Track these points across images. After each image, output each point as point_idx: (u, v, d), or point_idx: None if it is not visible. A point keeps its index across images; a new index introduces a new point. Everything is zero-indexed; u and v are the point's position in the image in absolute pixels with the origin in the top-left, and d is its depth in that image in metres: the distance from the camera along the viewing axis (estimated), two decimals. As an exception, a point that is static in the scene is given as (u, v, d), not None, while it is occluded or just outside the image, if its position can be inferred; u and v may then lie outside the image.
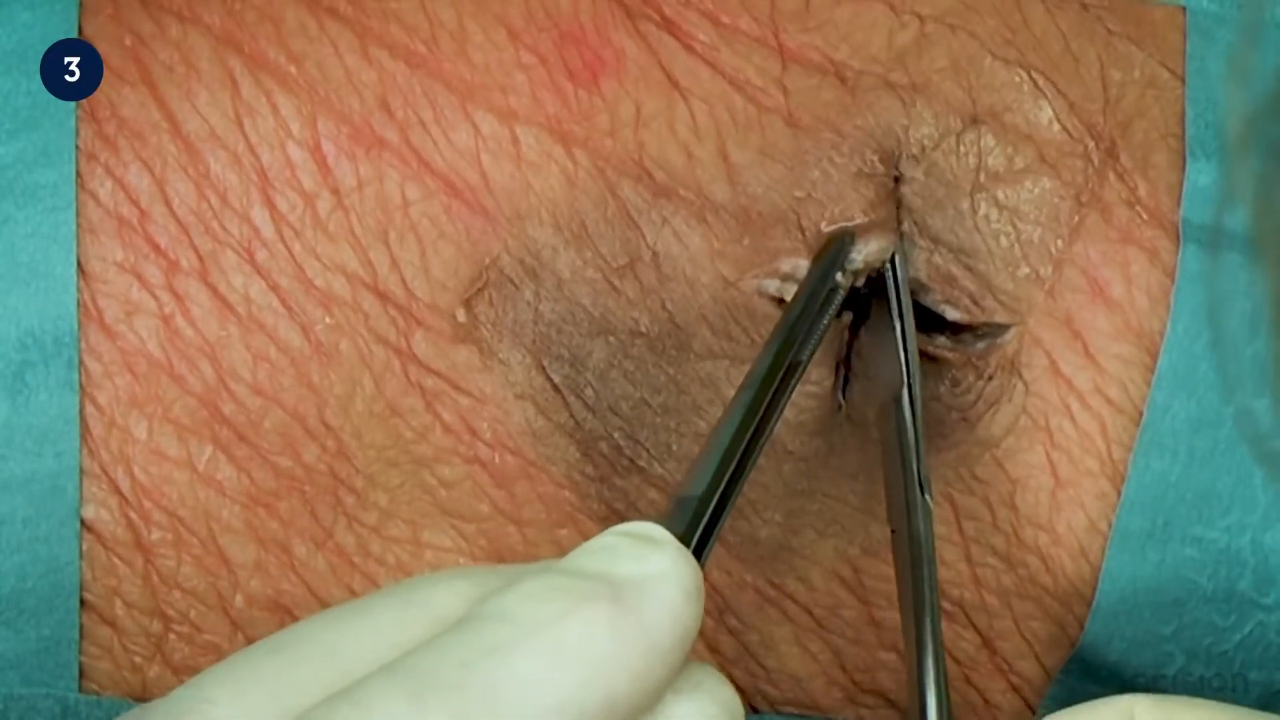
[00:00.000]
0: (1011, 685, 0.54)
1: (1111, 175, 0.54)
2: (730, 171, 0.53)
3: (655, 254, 0.53)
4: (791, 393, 0.49)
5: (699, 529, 0.44)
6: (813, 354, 0.50)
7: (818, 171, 0.53)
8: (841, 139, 0.53)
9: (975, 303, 0.54)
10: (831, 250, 0.52)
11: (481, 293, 0.53)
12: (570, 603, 0.40)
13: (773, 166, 0.53)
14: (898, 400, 0.52)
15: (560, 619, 0.39)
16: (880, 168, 0.53)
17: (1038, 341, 0.54)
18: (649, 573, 0.41)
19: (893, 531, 0.51)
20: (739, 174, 0.53)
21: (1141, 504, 0.53)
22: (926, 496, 0.51)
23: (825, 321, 0.51)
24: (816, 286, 0.52)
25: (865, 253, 0.53)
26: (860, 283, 0.53)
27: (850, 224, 0.53)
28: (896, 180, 0.54)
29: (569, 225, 0.53)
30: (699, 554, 0.43)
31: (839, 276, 0.52)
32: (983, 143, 0.54)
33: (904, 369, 0.52)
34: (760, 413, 0.48)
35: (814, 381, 0.53)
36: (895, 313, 0.52)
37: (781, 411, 0.49)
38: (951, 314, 0.54)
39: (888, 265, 0.53)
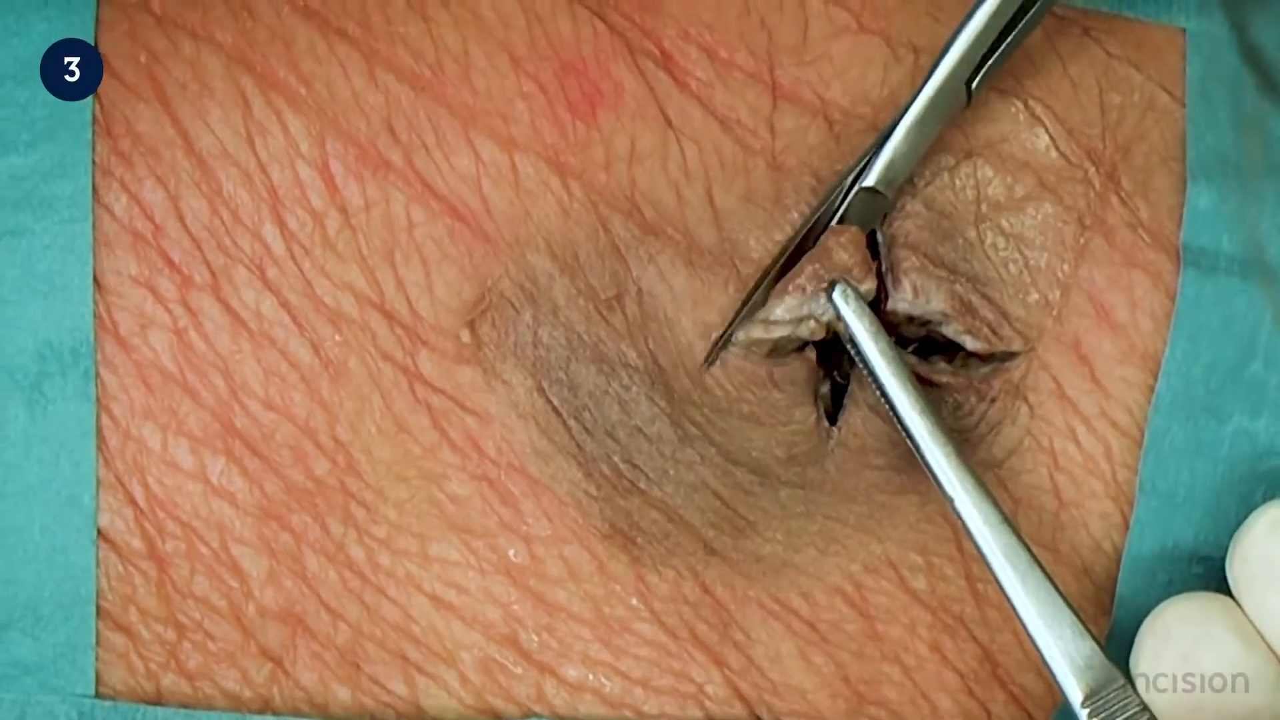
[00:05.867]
0: (1012, 696, 0.54)
1: (1114, 198, 0.54)
2: (716, 216, 0.53)
3: (640, 290, 0.53)
4: None
5: None
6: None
7: (796, 214, 0.53)
8: (820, 184, 0.54)
9: (994, 332, 0.54)
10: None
11: (484, 314, 0.53)
12: None
13: (755, 211, 0.53)
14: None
15: None
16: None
17: (1045, 366, 0.54)
18: None
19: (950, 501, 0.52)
20: (724, 219, 0.53)
21: (1151, 526, 0.53)
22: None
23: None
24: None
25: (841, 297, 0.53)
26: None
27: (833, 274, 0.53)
28: (884, 218, 0.54)
29: (563, 254, 0.53)
30: None
31: (812, 325, 0.53)
32: (979, 174, 0.54)
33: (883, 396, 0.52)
34: None
35: (798, 421, 0.53)
36: (860, 353, 0.53)
37: None
38: (971, 344, 0.54)
39: (843, 303, 0.53)
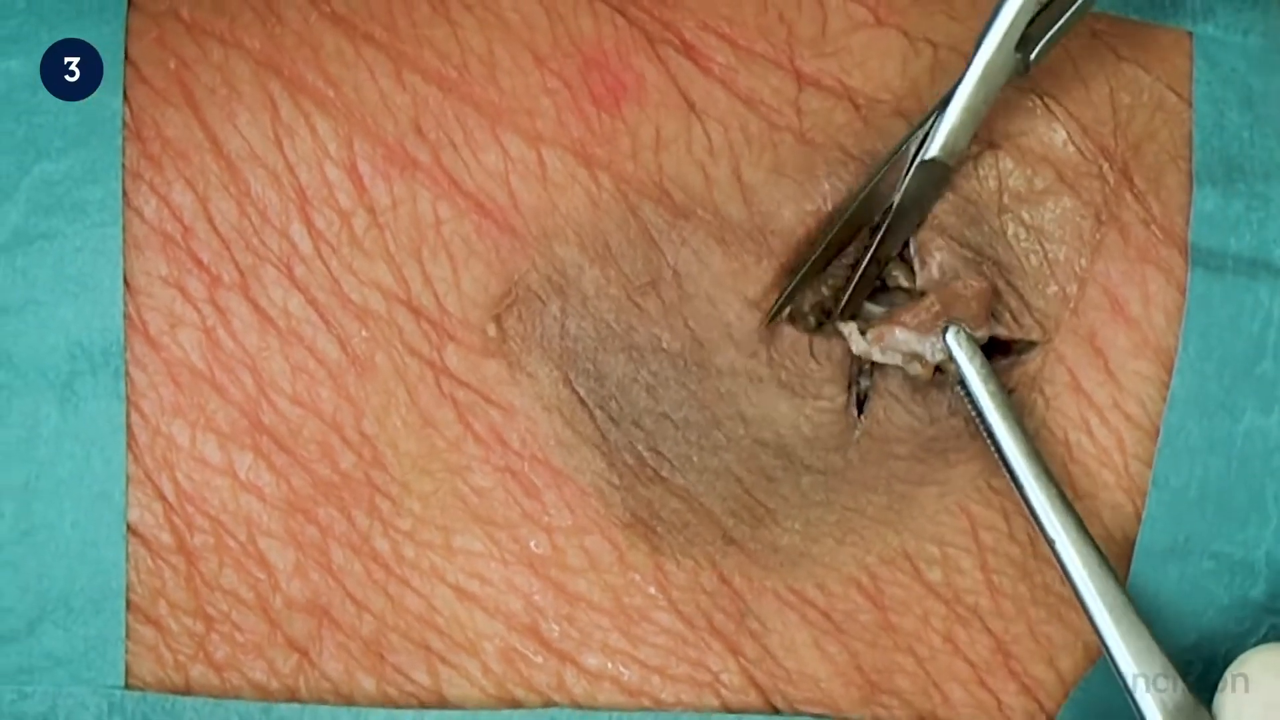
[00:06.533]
0: (1025, 687, 0.55)
1: (1127, 195, 0.55)
2: (744, 191, 0.54)
3: (676, 273, 0.54)
4: None
5: None
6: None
7: (827, 185, 0.54)
8: (849, 159, 0.54)
9: (1016, 319, 0.55)
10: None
11: (510, 308, 0.54)
12: None
13: (784, 183, 0.54)
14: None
15: None
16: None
17: (1060, 358, 0.54)
18: None
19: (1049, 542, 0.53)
20: (753, 194, 0.54)
21: (1163, 521, 0.54)
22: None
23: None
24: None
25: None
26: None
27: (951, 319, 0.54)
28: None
29: (593, 245, 0.54)
30: None
31: (918, 367, 0.54)
32: (1001, 165, 0.55)
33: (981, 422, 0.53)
34: None
35: (827, 398, 0.54)
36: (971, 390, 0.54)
37: None
38: (995, 329, 0.54)
39: (955, 343, 0.54)
